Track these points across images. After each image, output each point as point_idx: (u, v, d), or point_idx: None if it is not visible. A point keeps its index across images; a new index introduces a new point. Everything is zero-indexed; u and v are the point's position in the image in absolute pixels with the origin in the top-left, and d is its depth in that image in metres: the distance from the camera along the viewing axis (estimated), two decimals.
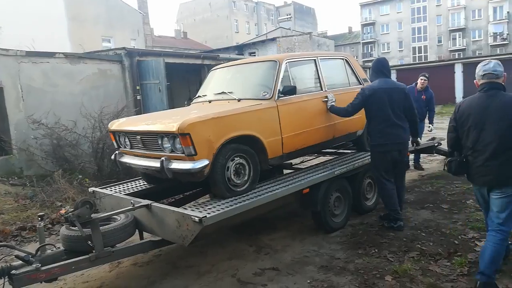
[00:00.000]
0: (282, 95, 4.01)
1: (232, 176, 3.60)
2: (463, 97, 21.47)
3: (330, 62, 5.02)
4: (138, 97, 8.76)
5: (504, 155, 2.79)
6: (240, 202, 3.45)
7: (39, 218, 3.20)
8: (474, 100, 2.98)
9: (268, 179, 4.23)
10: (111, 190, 4.44)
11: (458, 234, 3.84)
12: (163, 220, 3.44)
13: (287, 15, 59.73)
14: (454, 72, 21.44)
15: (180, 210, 3.29)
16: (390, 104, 4.14)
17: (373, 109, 4.23)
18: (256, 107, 3.81)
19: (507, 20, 46.80)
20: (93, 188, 4.54)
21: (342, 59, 5.08)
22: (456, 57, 41.56)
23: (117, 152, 4.26)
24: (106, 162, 6.74)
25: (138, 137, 3.82)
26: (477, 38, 49.11)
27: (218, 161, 3.46)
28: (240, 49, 28.74)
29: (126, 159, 4.10)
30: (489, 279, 2.79)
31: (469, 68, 21.45)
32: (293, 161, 5.13)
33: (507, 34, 46.68)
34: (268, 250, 3.99)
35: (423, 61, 42.45)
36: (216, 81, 4.75)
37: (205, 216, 3.06)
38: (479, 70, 2.97)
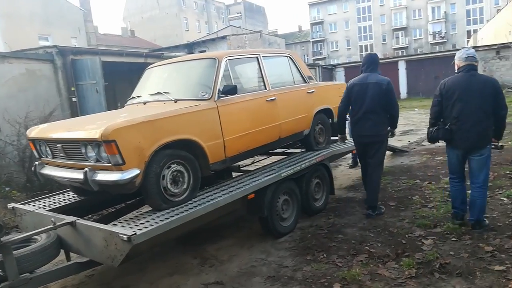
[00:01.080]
0: (223, 95, 3.74)
1: (169, 185, 3.27)
2: (407, 91, 22.51)
3: (273, 60, 4.81)
4: (74, 99, 8.07)
5: (482, 124, 3.46)
6: (177, 214, 3.13)
7: None
8: (458, 78, 3.58)
9: (212, 184, 3.95)
10: (35, 205, 3.94)
11: (405, 233, 3.78)
12: (90, 239, 3.04)
13: (238, 13, 59.61)
14: (398, 69, 22.38)
15: (107, 227, 2.92)
16: (365, 97, 4.23)
17: (351, 102, 4.41)
18: (194, 109, 3.51)
19: (444, 20, 49.90)
20: (13, 204, 4.00)
21: (286, 56, 4.90)
22: (400, 54, 43.57)
23: (37, 163, 3.77)
24: None
25: (59, 145, 3.37)
26: (418, 37, 51.95)
27: (151, 169, 3.12)
28: (190, 47, 28.09)
29: (48, 171, 3.63)
30: (481, 220, 3.65)
31: (411, 65, 22.50)
32: (244, 162, 4.89)
33: (445, 32, 49.77)
34: (213, 262, 3.71)
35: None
36: (152, 81, 4.37)
37: (134, 234, 2.71)
38: (463, 53, 3.60)
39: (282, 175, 4.09)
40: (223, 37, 27.99)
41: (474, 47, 22.69)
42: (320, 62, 44.14)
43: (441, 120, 3.71)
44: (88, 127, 3.22)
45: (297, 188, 4.38)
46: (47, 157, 3.66)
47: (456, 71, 3.67)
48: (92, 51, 9.35)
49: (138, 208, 4.46)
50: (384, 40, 53.87)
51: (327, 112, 5.27)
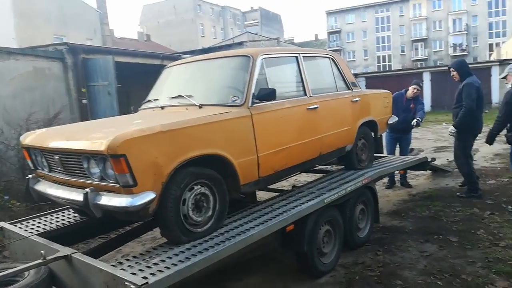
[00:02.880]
0: (258, 100, 3.04)
1: (191, 212, 2.58)
2: (431, 104, 21.54)
3: (314, 62, 4.10)
4: (84, 101, 7.46)
5: None
6: (201, 252, 2.42)
7: None
8: None
9: (237, 207, 3.24)
10: (28, 225, 3.29)
11: (483, 283, 2.99)
12: (88, 280, 2.35)
13: (254, 20, 59.34)
14: (423, 80, 21.45)
15: (110, 269, 2.21)
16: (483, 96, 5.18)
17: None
18: (224, 116, 2.81)
19: (466, 32, 48.73)
20: (2, 224, 3.34)
21: (328, 57, 4.18)
22: (419, 66, 42.57)
23: (30, 176, 3.11)
24: None
25: (57, 157, 2.71)
26: (438, 49, 50.82)
27: (170, 192, 2.43)
28: (206, 53, 27.62)
29: (42, 187, 2.96)
30: None
31: (436, 76, 21.55)
32: None
33: (466, 45, 48.57)
34: None
35: (387, 69, 43.09)
36: (172, 82, 3.70)
37: (146, 283, 2.01)
38: None
39: (325, 201, 3.35)
40: (240, 43, 27.39)
41: (503, 61, 21.71)
42: None
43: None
44: (92, 135, 2.54)
45: (340, 216, 3.64)
46: (43, 169, 3.00)
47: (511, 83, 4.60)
48: (105, 50, 8.79)
49: (153, 229, 3.80)
50: (402, 51, 52.81)
51: (370, 125, 4.52)
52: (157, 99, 3.52)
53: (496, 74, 19.65)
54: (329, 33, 57.57)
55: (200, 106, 3.03)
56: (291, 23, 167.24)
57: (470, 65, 5.70)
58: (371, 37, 54.39)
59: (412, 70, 23.29)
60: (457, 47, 48.72)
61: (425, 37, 51.02)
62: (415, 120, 5.89)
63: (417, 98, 6.08)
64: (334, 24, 57.18)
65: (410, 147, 6.09)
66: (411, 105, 6.00)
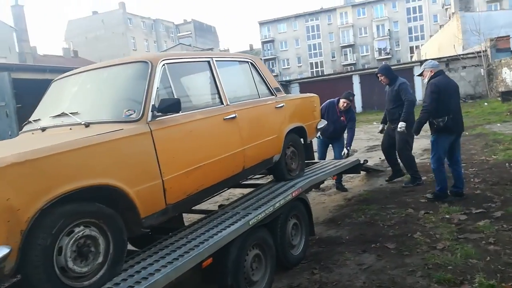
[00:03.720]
0: (160, 113, 2.56)
1: (71, 263, 2.00)
2: (362, 105, 22.39)
3: (231, 67, 3.72)
4: None
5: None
6: None
7: None
8: (445, 79, 4.76)
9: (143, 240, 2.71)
10: None
11: None
12: None
13: (187, 32, 58.57)
14: (353, 83, 22.27)
15: None
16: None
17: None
18: (111, 136, 2.27)
19: (389, 37, 52.19)
20: None
21: (247, 61, 3.80)
22: (349, 70, 44.62)
23: None
24: None
25: None
26: (365, 53, 53.84)
27: (35, 242, 1.85)
28: None
29: None
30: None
31: (365, 78, 22.49)
32: None
33: (390, 49, 51.96)
34: None
35: (320, 74, 44.52)
36: (57, 97, 3.07)
37: None
38: (433, 62, 5.01)
39: (250, 223, 2.93)
40: None
41: (423, 61, 23.23)
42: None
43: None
44: None
45: (270, 236, 3.24)
46: None
47: (427, 77, 4.75)
48: (3, 66, 7.71)
49: None
50: (333, 56, 55.22)
51: (299, 131, 4.22)
52: (39, 119, 2.89)
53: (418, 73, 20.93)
54: (263, 43, 58.56)
55: (87, 125, 2.46)
56: (226, 34, 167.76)
57: (394, 67, 6.01)
58: (303, 45, 56.21)
59: (343, 74, 24.16)
60: (382, 51, 51.98)
61: (353, 43, 53.84)
62: (345, 151, 5.91)
63: (349, 111, 6.02)
64: (267, 33, 58.34)
65: (346, 150, 5.94)
66: (341, 118, 5.94)
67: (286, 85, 23.75)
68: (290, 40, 56.94)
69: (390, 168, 6.33)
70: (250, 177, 4.19)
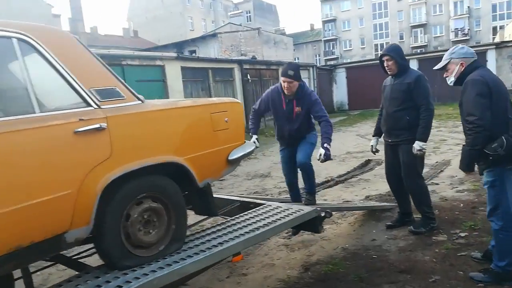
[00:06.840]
0: None
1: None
2: None
3: None
4: None
5: None
6: None
7: None
8: (490, 74, 2.89)
9: None
10: None
11: None
12: None
13: (246, 11, 56.90)
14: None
15: None
16: None
17: None
18: None
19: (467, 15, 45.83)
20: None
21: (15, 38, 1.94)
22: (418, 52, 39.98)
23: None
24: None
25: None
26: (438, 34, 48.08)
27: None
28: (180, 46, 25.71)
29: None
30: None
31: (424, 64, 19.08)
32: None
33: (468, 29, 45.67)
34: None
35: (372, 58, 40.43)
36: None
37: None
38: (467, 49, 2.94)
39: None
40: (214, 35, 25.26)
41: (500, 43, 19.22)
42: (332, 63, 40.88)
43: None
44: None
45: None
46: None
47: (455, 74, 2.89)
48: None
49: None
50: (401, 38, 49.95)
51: (177, 170, 2.32)
52: None
53: (492, 59, 17.17)
54: (324, 22, 54.95)
55: None
56: (287, 13, 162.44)
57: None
58: (368, 25, 51.65)
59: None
60: (459, 32, 45.84)
61: (425, 22, 48.18)
62: (321, 151, 3.60)
63: (305, 95, 3.74)
64: (329, 12, 54.53)
65: (322, 150, 3.76)
66: (295, 109, 3.73)
67: (330, 70, 21.05)
68: (354, 19, 52.60)
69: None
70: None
